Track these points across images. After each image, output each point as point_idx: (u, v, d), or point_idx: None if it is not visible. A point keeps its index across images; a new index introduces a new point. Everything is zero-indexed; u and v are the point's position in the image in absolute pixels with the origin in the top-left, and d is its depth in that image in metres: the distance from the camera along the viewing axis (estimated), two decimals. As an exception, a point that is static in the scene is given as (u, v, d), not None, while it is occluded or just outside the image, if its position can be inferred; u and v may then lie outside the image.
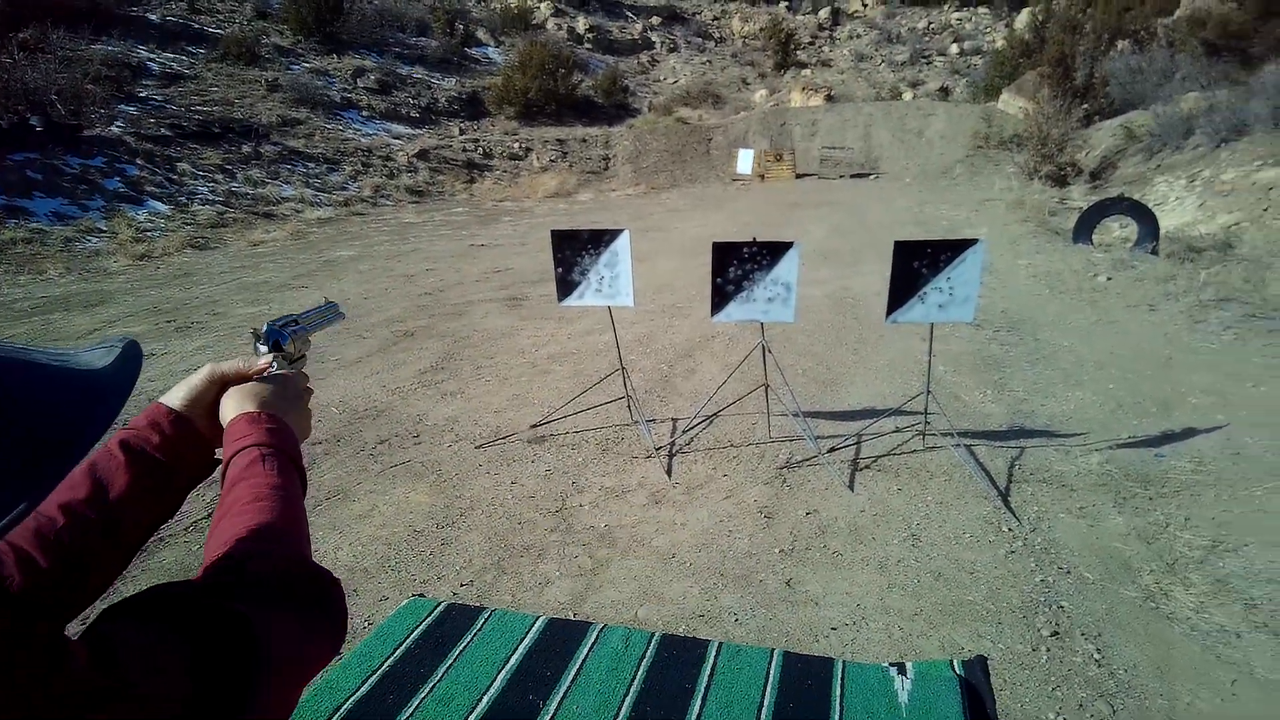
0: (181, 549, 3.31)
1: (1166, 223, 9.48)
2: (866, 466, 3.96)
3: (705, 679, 1.88)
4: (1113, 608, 2.80)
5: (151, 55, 17.58)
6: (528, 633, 2.11)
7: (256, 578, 0.69)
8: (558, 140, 21.64)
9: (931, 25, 33.87)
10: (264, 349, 1.01)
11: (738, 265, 3.89)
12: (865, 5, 36.45)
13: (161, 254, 10.35)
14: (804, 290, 5.75)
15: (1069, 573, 3.02)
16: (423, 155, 18.59)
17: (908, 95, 26.41)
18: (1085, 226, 9.20)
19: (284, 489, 0.82)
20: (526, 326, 6.82)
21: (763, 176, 20.43)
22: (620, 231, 4.03)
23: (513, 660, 1.93)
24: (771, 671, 1.94)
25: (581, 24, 31.04)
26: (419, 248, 11.25)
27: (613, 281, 4.10)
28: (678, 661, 1.98)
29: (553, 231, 4.13)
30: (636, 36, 32.49)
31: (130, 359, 0.61)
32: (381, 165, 17.51)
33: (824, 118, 22.81)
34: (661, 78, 29.89)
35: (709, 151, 22.36)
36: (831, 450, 4.16)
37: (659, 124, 23.76)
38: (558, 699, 1.78)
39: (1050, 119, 15.20)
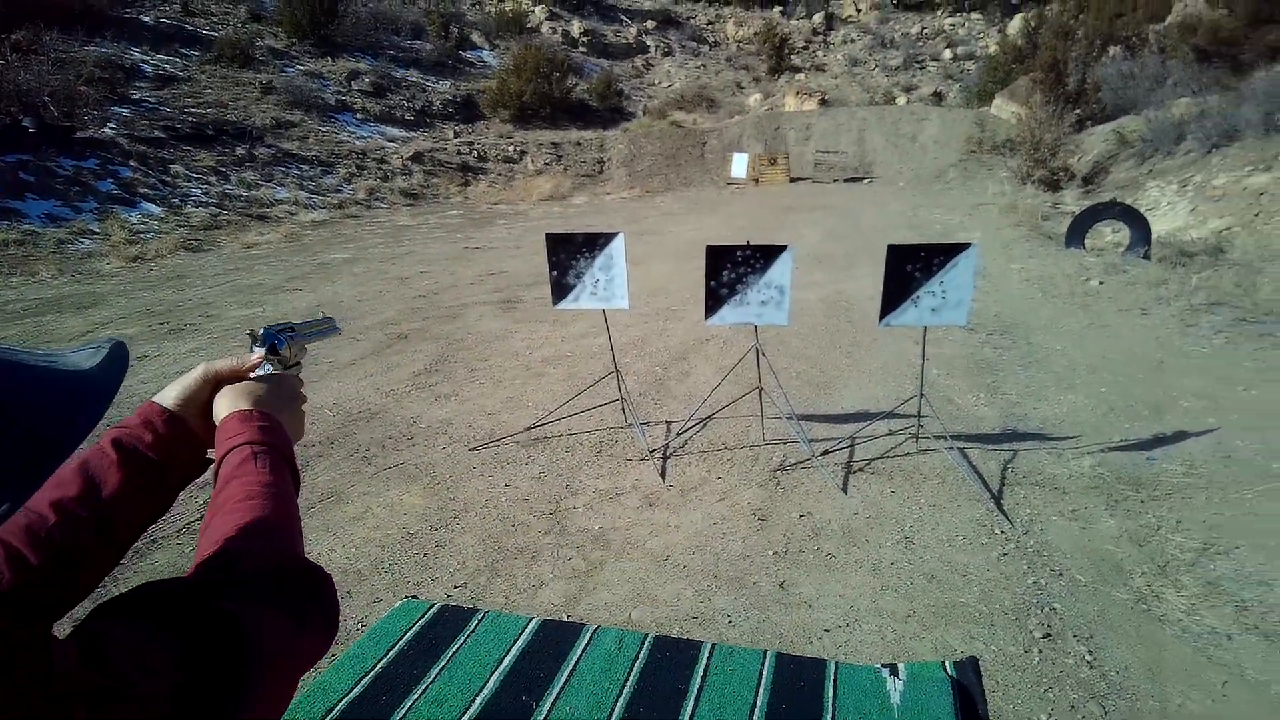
0: (174, 550, 3.30)
1: (1158, 227, 9.53)
2: (860, 469, 3.97)
3: (698, 680, 1.88)
4: (1105, 610, 2.81)
5: (145, 57, 17.53)
6: (521, 634, 2.10)
7: (247, 575, 0.69)
8: (552, 143, 21.66)
9: (925, 30, 34.00)
10: (259, 350, 1.01)
11: (731, 269, 3.90)
12: (859, 10, 36.59)
13: (155, 256, 10.32)
14: (798, 294, 5.77)
15: (1061, 575, 3.03)
16: (417, 158, 18.57)
17: (901, 100, 26.50)
18: (1078, 231, 9.25)
19: (276, 486, 0.82)
20: (521, 329, 6.82)
21: (757, 180, 20.46)
22: (615, 235, 4.04)
23: (506, 661, 1.92)
24: (764, 672, 1.93)
25: (576, 28, 31.07)
26: (413, 250, 11.24)
27: (608, 285, 4.11)
28: (671, 663, 1.97)
29: (547, 235, 4.13)
30: (631, 40, 32.54)
31: (117, 360, 0.61)
32: (376, 168, 17.49)
33: (818, 122, 22.87)
34: (656, 81, 29.94)
35: (703, 155, 22.40)
36: (825, 453, 4.17)
37: (653, 128, 23.79)
38: (551, 700, 1.78)
39: (1043, 124, 15.26)
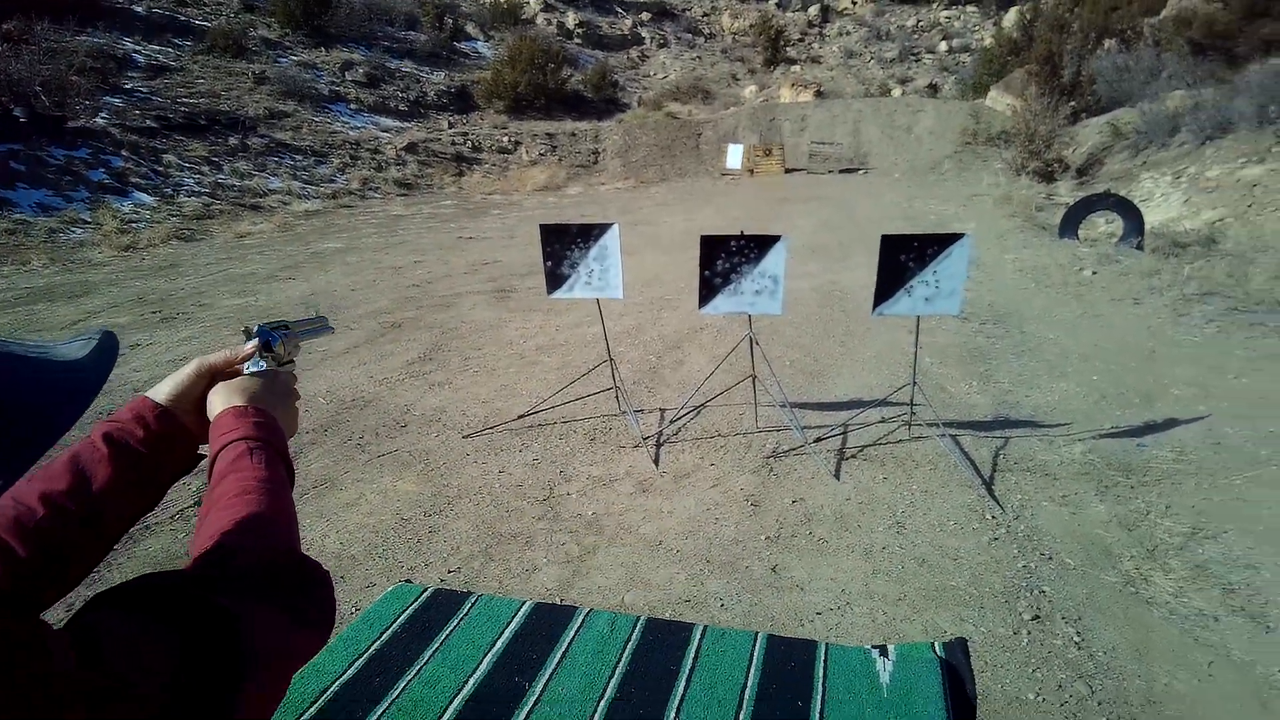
0: (168, 537, 3.30)
1: (1152, 218, 9.56)
2: (853, 456, 3.99)
3: (690, 661, 1.90)
4: (1093, 592, 2.83)
5: (137, 47, 17.42)
6: (514, 617, 2.12)
7: (242, 571, 0.69)
8: (547, 134, 21.59)
9: (920, 23, 33.92)
10: (253, 342, 1.01)
11: (726, 258, 3.91)
12: (854, 2, 36.47)
13: (147, 245, 10.28)
14: (792, 284, 5.77)
15: (1051, 559, 3.05)
16: (411, 148, 18.51)
17: (896, 92, 26.47)
18: (1071, 222, 9.27)
19: (271, 482, 0.82)
20: (514, 318, 6.82)
21: (752, 171, 20.45)
22: (610, 226, 4.04)
23: (499, 643, 1.94)
24: (755, 654, 1.95)
25: (571, 19, 30.94)
26: (407, 240, 11.21)
27: (602, 275, 4.11)
28: (662, 644, 1.99)
29: (542, 226, 4.12)
30: (626, 32, 32.42)
31: (106, 350, 0.62)
32: (370, 158, 17.43)
33: (813, 113, 22.85)
34: (651, 73, 29.84)
35: (698, 146, 22.36)
36: (818, 440, 4.18)
37: (648, 119, 23.74)
38: (543, 681, 1.79)
39: (1038, 116, 15.28)
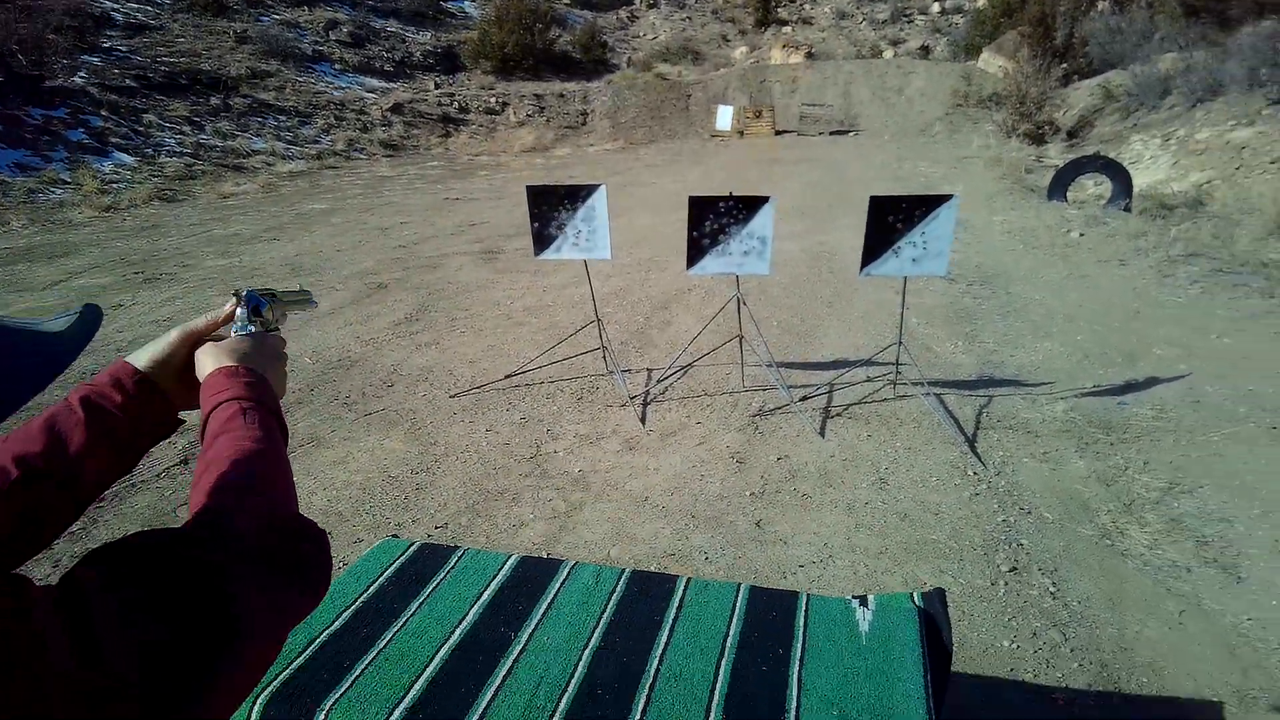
0: (154, 494, 3.31)
1: (1140, 180, 9.56)
2: (838, 414, 4.02)
3: (673, 612, 1.93)
4: (1070, 545, 2.89)
5: (115, 5, 17.00)
6: (500, 570, 2.15)
7: (238, 532, 0.69)
8: (535, 95, 21.30)
9: (914, -18, 33.41)
10: (234, 301, 1.00)
11: (714, 219, 3.89)
12: (848, -40, 35.84)
13: (128, 206, 10.14)
14: (780, 245, 5.76)
15: (1030, 513, 3.10)
16: (397, 109, 18.24)
17: (888, 53, 26.17)
18: (1060, 184, 9.27)
19: (266, 442, 0.81)
20: (502, 280, 6.79)
21: (742, 133, 20.28)
22: (597, 187, 4.01)
23: (485, 595, 1.96)
24: (738, 604, 1.99)
25: (559, -24, 30.33)
26: (393, 201, 11.10)
27: (590, 235, 4.09)
28: (646, 595, 2.02)
29: (529, 187, 4.09)
30: (615, -10, 31.84)
31: (89, 323, 0.62)
32: (355, 119, 17.18)
33: (804, 75, 22.61)
34: (641, 34, 29.39)
35: (688, 108, 22.12)
36: (804, 399, 4.21)
37: (638, 80, 23.43)
38: (529, 631, 1.82)
39: (1029, 78, 15.19)
